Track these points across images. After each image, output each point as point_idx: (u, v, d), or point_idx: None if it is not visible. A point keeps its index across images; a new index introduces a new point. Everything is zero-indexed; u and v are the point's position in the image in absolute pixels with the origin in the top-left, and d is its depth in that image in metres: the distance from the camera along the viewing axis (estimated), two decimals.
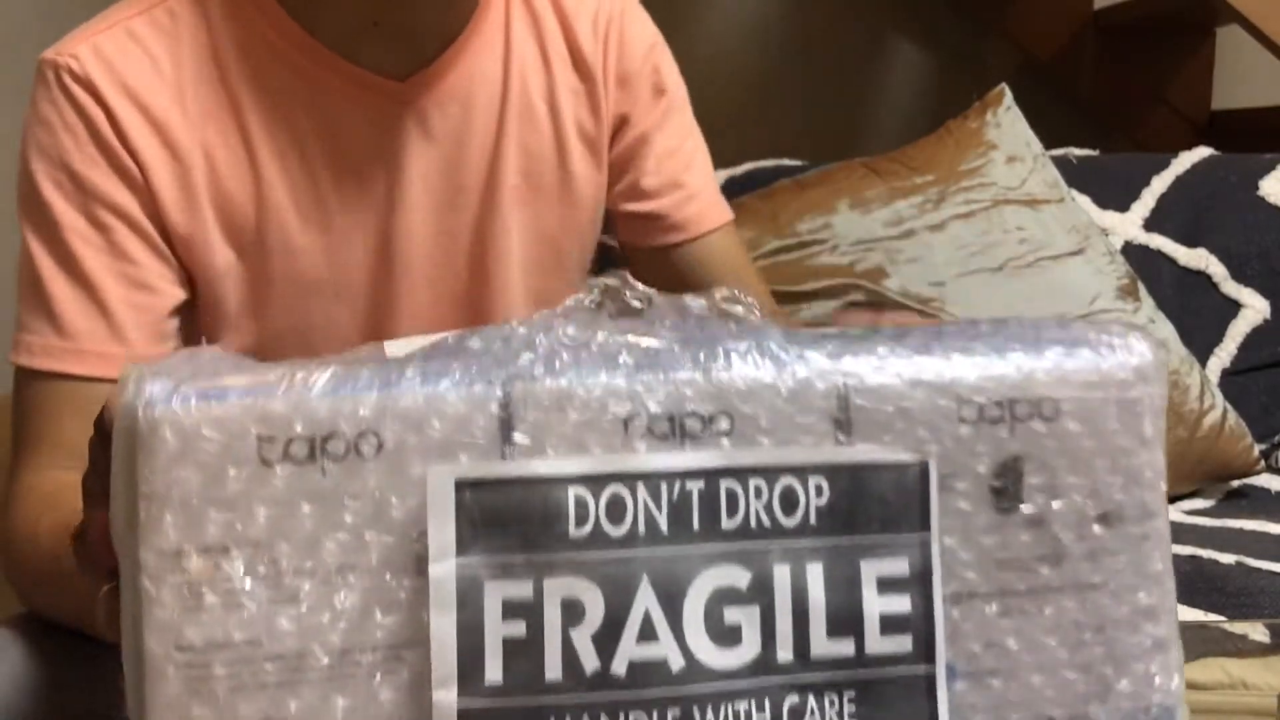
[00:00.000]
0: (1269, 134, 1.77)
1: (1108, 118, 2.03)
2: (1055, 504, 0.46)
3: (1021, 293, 1.36)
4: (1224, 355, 1.46)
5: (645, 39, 0.97)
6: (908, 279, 1.36)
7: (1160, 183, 1.52)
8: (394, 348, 0.49)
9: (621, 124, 0.96)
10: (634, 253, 1.01)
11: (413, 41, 0.88)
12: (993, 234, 1.39)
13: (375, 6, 0.85)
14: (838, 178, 1.44)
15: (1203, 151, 1.56)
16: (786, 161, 1.57)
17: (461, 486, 0.42)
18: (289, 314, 0.89)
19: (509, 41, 0.91)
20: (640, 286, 0.47)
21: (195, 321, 0.88)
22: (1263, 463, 1.35)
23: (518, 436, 0.42)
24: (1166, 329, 1.37)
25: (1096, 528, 0.46)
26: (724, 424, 0.43)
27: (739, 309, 0.46)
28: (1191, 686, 0.48)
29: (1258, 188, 1.50)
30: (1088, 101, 2.02)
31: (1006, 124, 1.45)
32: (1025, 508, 0.45)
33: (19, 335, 0.83)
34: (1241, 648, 0.74)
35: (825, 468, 0.44)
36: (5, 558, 0.79)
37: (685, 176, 0.99)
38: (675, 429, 0.43)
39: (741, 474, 0.43)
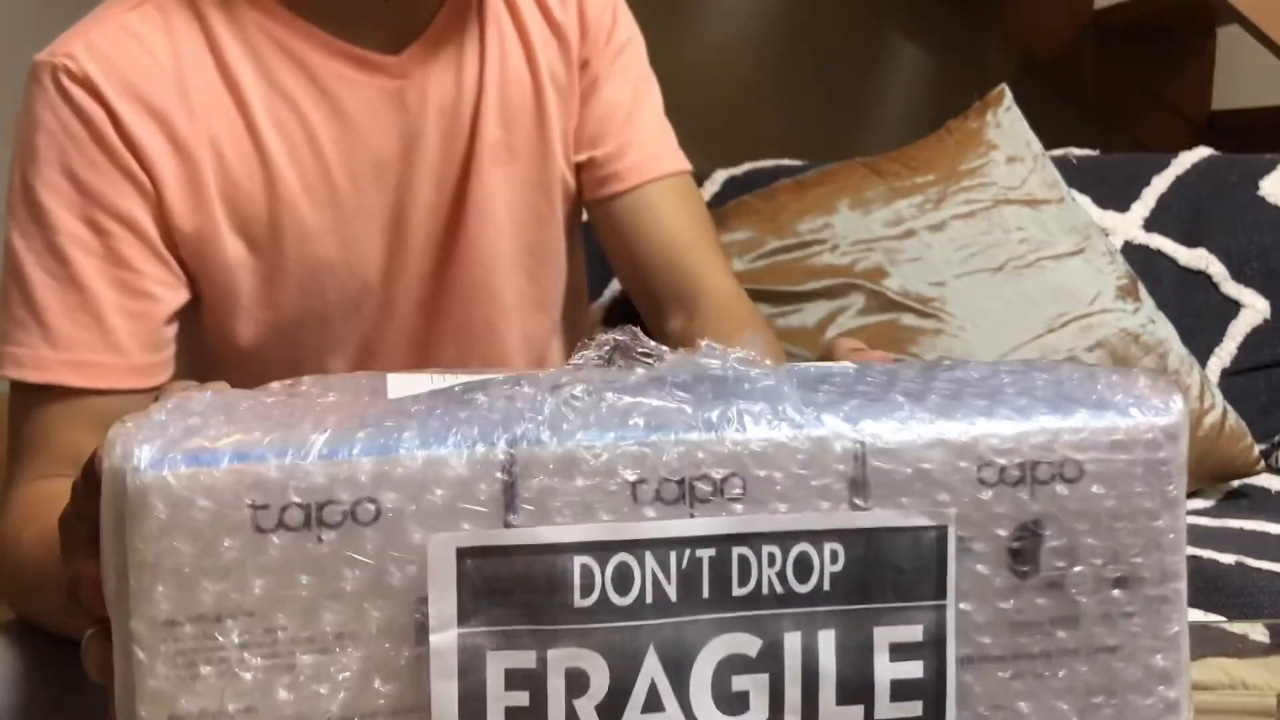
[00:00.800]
0: (1269, 134, 1.77)
1: (1108, 118, 2.03)
2: (1074, 568, 0.44)
3: (1021, 293, 1.36)
4: (1224, 355, 1.46)
5: None
6: (908, 279, 1.35)
7: (1160, 183, 1.52)
8: (396, 385, 0.48)
9: (583, 68, 0.96)
10: (590, 211, 1.00)
11: (404, 16, 0.88)
12: (993, 234, 1.39)
13: None
14: (838, 178, 1.44)
15: (1203, 151, 1.55)
16: (786, 161, 1.57)
17: (463, 555, 0.40)
18: (304, 299, 0.88)
19: (482, 7, 0.91)
20: (650, 343, 0.45)
21: (199, 320, 0.88)
22: (1263, 463, 1.35)
23: (522, 504, 0.41)
24: (1166, 329, 1.37)
25: (1115, 591, 0.45)
26: (737, 488, 0.42)
27: (754, 370, 0.44)
28: (1192, 686, 0.47)
29: (1258, 188, 1.50)
30: (1088, 101, 2.02)
31: (1007, 124, 1.45)
32: (1043, 571, 0.44)
33: (6, 348, 0.81)
34: (1241, 648, 0.74)
35: (841, 533, 0.42)
36: None
37: (625, 126, 0.97)
38: (686, 493, 0.42)
39: (754, 540, 0.42)
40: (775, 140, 1.73)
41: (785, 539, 0.42)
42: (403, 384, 0.49)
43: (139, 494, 0.39)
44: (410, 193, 0.89)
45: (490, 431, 0.41)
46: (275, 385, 0.47)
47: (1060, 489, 0.44)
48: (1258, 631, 0.76)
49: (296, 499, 0.40)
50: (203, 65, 0.84)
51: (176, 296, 0.84)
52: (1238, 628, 0.77)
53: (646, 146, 0.98)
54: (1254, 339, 1.46)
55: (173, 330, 0.85)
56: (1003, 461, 0.44)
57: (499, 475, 0.41)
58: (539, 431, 0.41)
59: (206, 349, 0.89)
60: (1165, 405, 0.45)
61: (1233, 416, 1.33)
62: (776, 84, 2.01)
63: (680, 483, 0.42)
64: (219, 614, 0.40)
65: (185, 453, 0.39)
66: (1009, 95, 1.46)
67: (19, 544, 0.74)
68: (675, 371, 0.44)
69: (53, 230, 0.80)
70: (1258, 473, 1.35)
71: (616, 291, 1.41)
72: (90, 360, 0.80)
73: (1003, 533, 0.44)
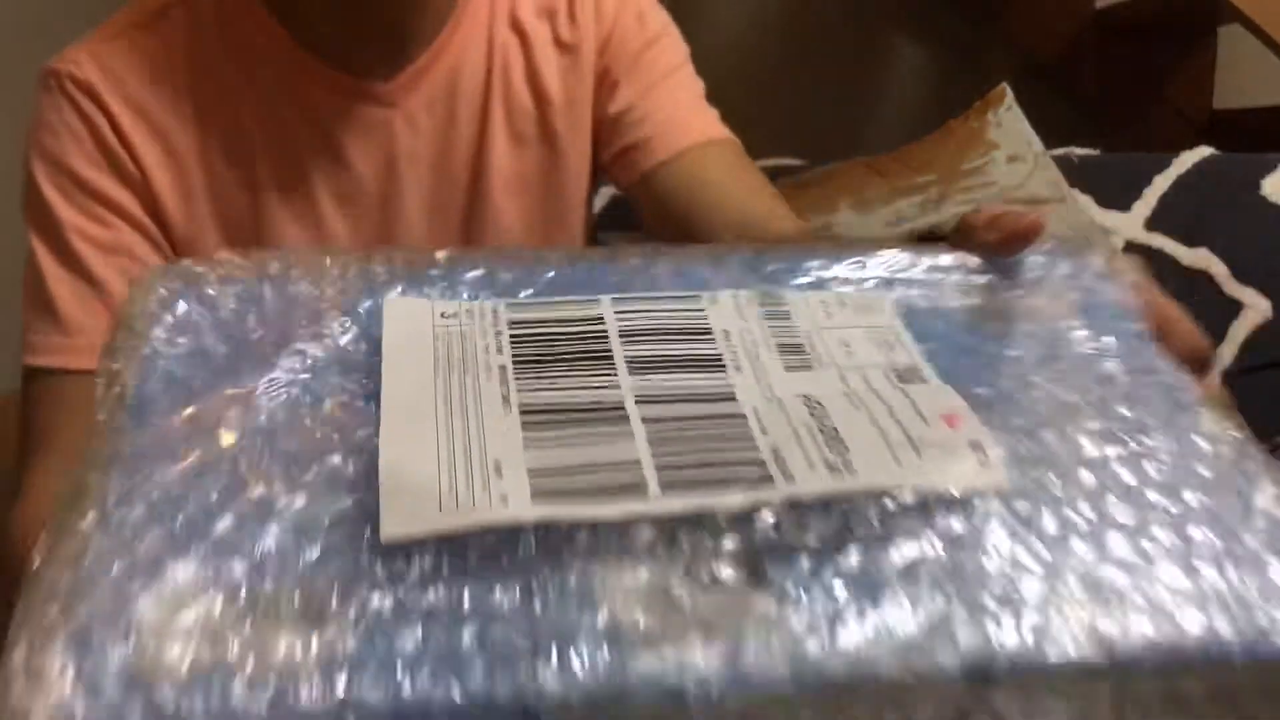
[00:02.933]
0: (1271, 133, 1.77)
1: (1109, 117, 2.03)
2: None
3: None
4: (1225, 355, 1.45)
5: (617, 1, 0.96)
6: None
7: (1162, 182, 1.51)
8: (394, 320, 0.43)
9: (603, 77, 0.95)
10: (630, 199, 0.97)
11: (395, 43, 0.89)
12: None
13: (351, 8, 0.86)
14: (838, 177, 1.44)
15: (1204, 151, 1.55)
16: (786, 161, 1.57)
17: None
18: None
19: (491, 36, 0.92)
20: None
21: None
22: None
23: None
24: None
25: None
26: None
27: None
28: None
29: (1259, 187, 1.50)
30: (1089, 101, 2.02)
31: (1008, 123, 1.44)
32: None
33: (25, 337, 0.84)
34: None
35: None
36: (6, 554, 0.79)
37: (658, 107, 0.94)
38: None
39: None
40: (776, 140, 1.72)
41: None
42: (401, 327, 0.45)
43: None
44: (397, 219, 0.91)
45: (499, 691, 0.33)
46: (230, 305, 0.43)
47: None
48: None
49: None
50: (200, 83, 0.87)
51: None
52: None
53: (682, 116, 0.94)
54: (1256, 339, 1.45)
55: None
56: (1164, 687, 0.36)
57: None
58: (563, 695, 0.33)
59: None
60: None
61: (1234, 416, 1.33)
62: (777, 83, 2.01)
63: None
64: None
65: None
66: (1010, 94, 1.46)
67: (27, 547, 0.74)
68: None
69: (60, 224, 0.83)
70: None
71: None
72: (99, 344, 0.81)
73: None
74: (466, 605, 0.35)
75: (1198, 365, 0.51)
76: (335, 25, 0.87)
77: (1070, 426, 0.44)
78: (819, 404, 0.42)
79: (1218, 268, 1.47)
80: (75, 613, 0.35)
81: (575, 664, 0.34)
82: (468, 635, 0.34)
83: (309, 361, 0.44)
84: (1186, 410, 0.46)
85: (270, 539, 0.37)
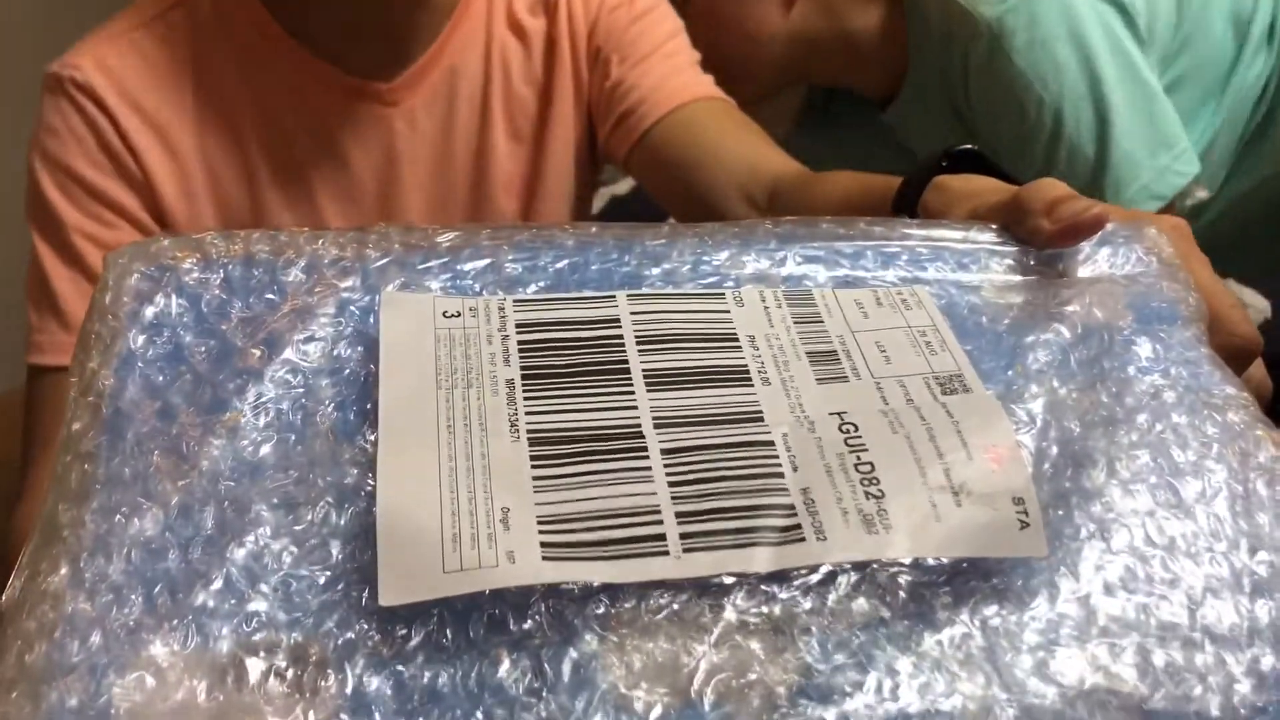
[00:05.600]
0: None
1: None
2: None
3: None
4: None
5: None
6: None
7: None
8: (391, 311, 0.39)
9: (594, 59, 0.94)
10: (630, 168, 0.95)
11: (394, 43, 0.89)
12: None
13: (349, 8, 0.87)
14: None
15: None
16: None
17: None
18: None
19: (489, 36, 0.92)
20: None
21: None
22: None
23: None
24: None
25: None
26: None
27: None
28: None
29: None
30: None
31: None
32: None
33: (30, 337, 0.85)
34: None
35: None
36: (9, 553, 0.80)
37: (649, 74, 0.93)
38: None
39: None
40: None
41: None
42: (400, 309, 0.41)
43: None
44: (394, 218, 0.91)
45: None
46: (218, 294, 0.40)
47: None
48: None
49: None
50: (201, 83, 0.88)
51: None
52: None
53: (672, 80, 0.93)
54: None
55: None
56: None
57: None
58: None
59: None
60: None
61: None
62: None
63: None
64: None
65: None
66: None
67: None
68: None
69: (62, 225, 0.85)
70: None
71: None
72: None
73: None
74: (472, 683, 0.33)
75: (1244, 356, 0.47)
76: (334, 25, 0.87)
77: (1114, 461, 0.40)
78: (853, 426, 0.39)
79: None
80: (44, 693, 0.31)
81: None
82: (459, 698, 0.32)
83: (299, 376, 0.40)
84: (1240, 437, 0.41)
85: (259, 603, 0.34)
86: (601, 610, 0.34)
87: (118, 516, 0.36)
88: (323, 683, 0.32)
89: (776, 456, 0.37)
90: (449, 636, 0.33)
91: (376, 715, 0.32)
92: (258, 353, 0.40)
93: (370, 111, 0.89)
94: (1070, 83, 1.02)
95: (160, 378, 0.40)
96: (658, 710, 0.31)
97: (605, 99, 0.94)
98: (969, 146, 0.59)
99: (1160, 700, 0.33)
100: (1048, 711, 0.33)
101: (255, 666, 0.32)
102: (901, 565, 0.35)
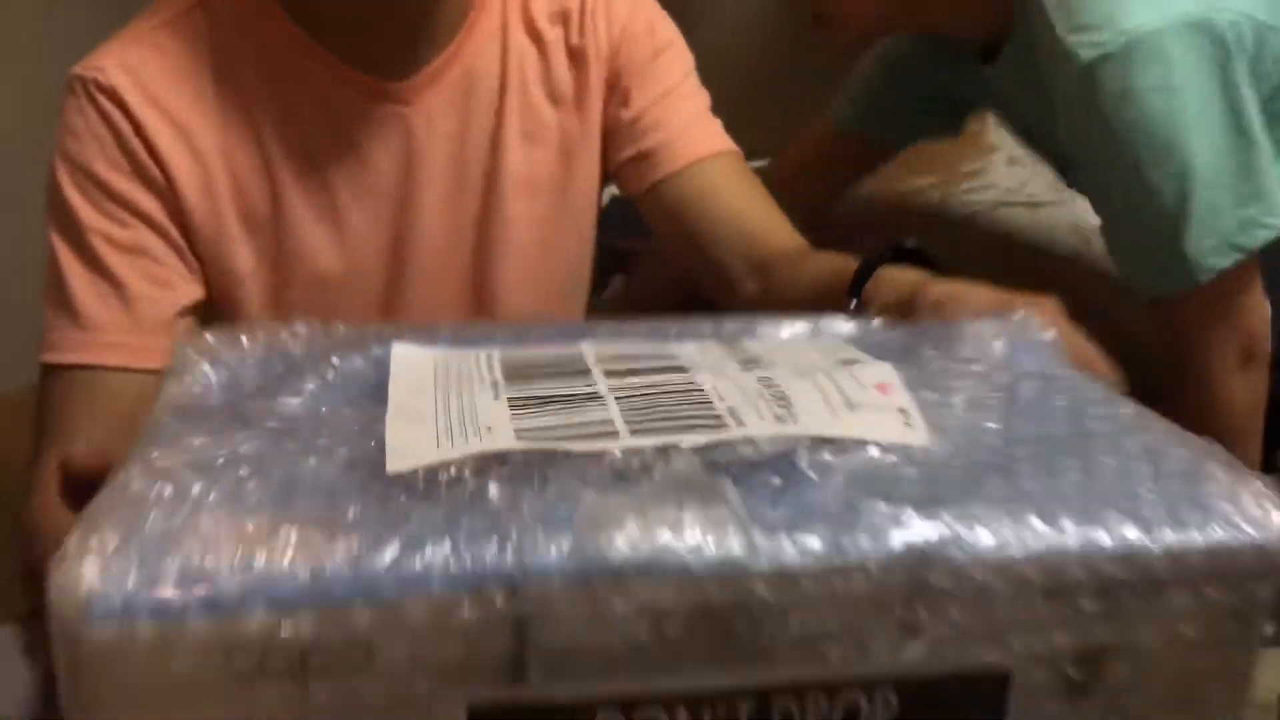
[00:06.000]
0: None
1: None
2: (1139, 695, 0.40)
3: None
4: None
5: (629, 3, 0.98)
6: None
7: None
8: (400, 360, 0.47)
9: (614, 81, 0.96)
10: (641, 205, 0.99)
11: (410, 43, 0.90)
12: (993, 235, 1.39)
13: (364, 7, 0.87)
14: None
15: None
16: None
17: (475, 713, 0.36)
18: (307, 310, 0.89)
19: (506, 40, 0.93)
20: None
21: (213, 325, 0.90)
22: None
23: (537, 659, 0.36)
24: None
25: (1180, 717, 0.41)
26: (785, 631, 0.37)
27: (815, 474, 0.40)
28: None
29: None
30: None
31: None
32: (1104, 698, 0.40)
33: (45, 335, 0.85)
34: None
35: (896, 680, 0.38)
36: (20, 547, 0.80)
37: (670, 115, 0.97)
38: (726, 636, 0.37)
39: (799, 691, 0.37)
40: (776, 140, 1.73)
41: (834, 688, 0.37)
42: (406, 370, 0.48)
43: (101, 655, 0.34)
44: (412, 215, 0.92)
45: (497, 563, 0.36)
46: (252, 359, 0.46)
47: (1141, 620, 0.39)
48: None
49: (280, 649, 0.35)
50: (221, 83, 0.88)
51: (195, 290, 0.88)
52: None
53: (693, 129, 0.98)
54: None
55: (185, 325, 0.87)
56: (1083, 588, 0.38)
57: (514, 629, 0.36)
58: (558, 565, 0.36)
59: None
60: (1271, 524, 0.40)
61: None
62: (777, 84, 2.01)
63: (720, 626, 0.37)
64: None
65: (149, 600, 0.34)
66: None
67: (44, 538, 0.75)
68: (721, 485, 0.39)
69: (80, 225, 0.85)
70: None
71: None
72: (117, 341, 0.83)
73: (1069, 665, 0.39)
74: (465, 500, 0.39)
75: None
76: (349, 24, 0.88)
77: (977, 403, 0.48)
78: (770, 379, 0.47)
79: None
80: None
81: (558, 542, 0.37)
82: (464, 522, 0.38)
83: (324, 383, 0.49)
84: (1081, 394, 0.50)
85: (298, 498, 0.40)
86: (566, 462, 0.41)
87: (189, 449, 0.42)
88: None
89: (706, 393, 0.46)
90: (444, 483, 0.40)
91: (392, 523, 0.38)
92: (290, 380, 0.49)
93: (388, 110, 0.90)
94: (1158, 136, 0.99)
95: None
96: (615, 513, 0.38)
97: (625, 129, 0.96)
98: (912, 244, 0.74)
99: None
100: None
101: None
102: (809, 440, 0.42)
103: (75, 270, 0.85)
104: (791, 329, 0.57)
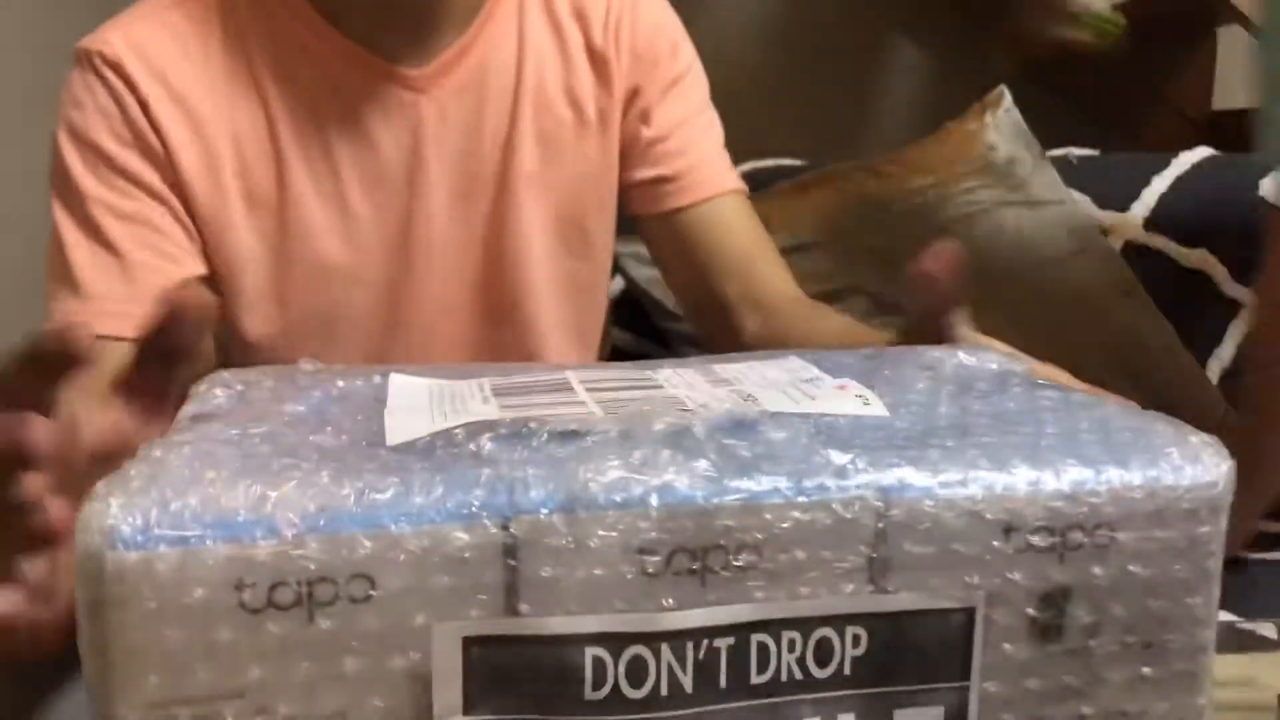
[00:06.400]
0: None
1: (1108, 118, 2.03)
2: (1101, 639, 0.42)
3: (1022, 295, 1.36)
4: (1224, 355, 1.46)
5: (655, 18, 0.99)
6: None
7: (1160, 183, 1.51)
8: (398, 389, 0.49)
9: (633, 96, 0.97)
10: (646, 225, 1.02)
11: (423, 30, 0.91)
12: (993, 236, 1.39)
13: None
14: (837, 180, 1.44)
15: (1203, 151, 1.55)
16: (786, 161, 1.57)
17: (469, 644, 0.39)
18: (309, 297, 0.92)
19: (523, 33, 0.94)
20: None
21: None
22: None
23: (530, 588, 0.39)
24: (1166, 329, 1.37)
25: (1142, 667, 0.43)
26: (757, 567, 0.40)
27: (780, 433, 0.43)
28: None
29: (1258, 188, 1.50)
30: (1088, 101, 2.02)
31: (1006, 125, 1.45)
32: (1068, 642, 0.42)
33: (46, 307, 0.86)
34: (1247, 644, 0.74)
35: (865, 617, 0.40)
36: None
37: (690, 144, 0.99)
38: (702, 571, 0.39)
39: (775, 627, 0.40)
40: (776, 141, 1.73)
41: (807, 624, 0.40)
42: (404, 389, 0.51)
43: (122, 581, 0.37)
44: (418, 203, 0.92)
45: (495, 502, 0.39)
46: (265, 383, 0.48)
47: (1093, 559, 0.42)
48: (1265, 628, 0.76)
49: (288, 579, 0.38)
50: (230, 61, 0.89)
51: (197, 265, 0.89)
52: (1246, 624, 0.77)
53: (714, 163, 1.01)
54: None
55: (191, 283, 0.88)
56: (1033, 528, 0.41)
57: (502, 559, 0.39)
58: (545, 500, 0.39)
59: (218, 344, 0.92)
60: (1213, 472, 0.43)
61: (1233, 417, 1.33)
62: (777, 85, 2.01)
63: (697, 561, 0.39)
64: (213, 696, 0.38)
65: (168, 533, 0.37)
66: (1008, 96, 1.46)
67: None
68: (698, 439, 0.42)
69: (83, 196, 0.86)
70: None
71: (616, 292, 1.41)
72: (118, 310, 0.84)
73: (1027, 602, 0.42)
74: (460, 453, 0.42)
75: None
76: (363, 8, 0.89)
77: (933, 392, 0.51)
78: (742, 390, 0.51)
79: (1216, 268, 1.48)
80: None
81: (544, 482, 0.40)
82: (459, 467, 0.41)
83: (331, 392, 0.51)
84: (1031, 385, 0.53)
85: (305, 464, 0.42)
86: (550, 433, 0.43)
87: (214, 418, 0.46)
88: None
89: (680, 398, 0.49)
90: (439, 445, 0.43)
91: (390, 469, 0.40)
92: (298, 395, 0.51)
93: (399, 96, 0.90)
94: None
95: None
96: (595, 456, 0.41)
97: (642, 149, 0.98)
98: None
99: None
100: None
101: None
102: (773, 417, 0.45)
103: (77, 241, 0.86)
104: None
